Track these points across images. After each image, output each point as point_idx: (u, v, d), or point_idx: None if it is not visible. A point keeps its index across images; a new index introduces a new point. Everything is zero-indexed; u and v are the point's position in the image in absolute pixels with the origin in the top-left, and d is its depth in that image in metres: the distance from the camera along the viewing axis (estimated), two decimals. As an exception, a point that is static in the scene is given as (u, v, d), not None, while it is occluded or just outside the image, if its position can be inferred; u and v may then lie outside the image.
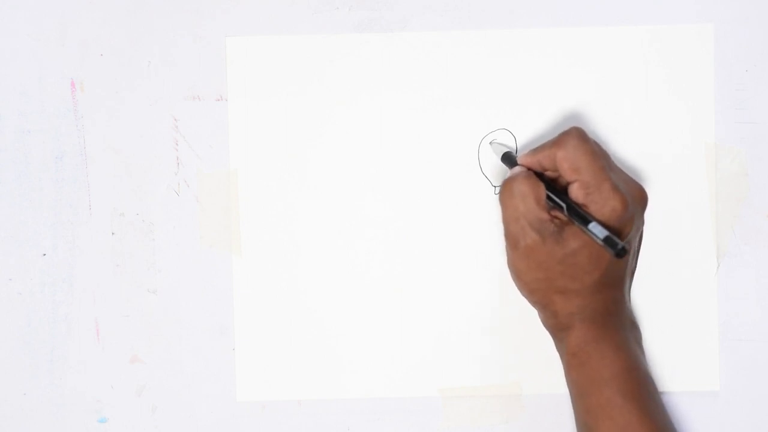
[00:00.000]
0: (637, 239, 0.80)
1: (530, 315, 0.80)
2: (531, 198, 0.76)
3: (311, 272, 0.83)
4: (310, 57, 0.83)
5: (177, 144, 0.83)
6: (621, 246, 0.73)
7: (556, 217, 0.76)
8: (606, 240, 0.73)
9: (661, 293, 0.82)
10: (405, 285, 0.83)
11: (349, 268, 0.83)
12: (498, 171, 0.83)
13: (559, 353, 0.79)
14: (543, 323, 0.79)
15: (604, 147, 0.79)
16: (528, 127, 0.82)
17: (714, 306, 0.82)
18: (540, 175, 0.78)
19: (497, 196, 0.82)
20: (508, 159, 0.80)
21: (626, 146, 0.82)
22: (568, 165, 0.75)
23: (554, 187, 0.77)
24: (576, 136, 0.76)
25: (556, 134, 0.81)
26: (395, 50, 0.83)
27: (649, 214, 0.79)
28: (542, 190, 0.76)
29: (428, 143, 0.83)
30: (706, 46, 0.82)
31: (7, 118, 0.83)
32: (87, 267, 0.83)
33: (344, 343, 0.83)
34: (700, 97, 0.82)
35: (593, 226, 0.74)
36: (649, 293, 0.82)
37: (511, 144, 0.82)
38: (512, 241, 0.77)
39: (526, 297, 0.79)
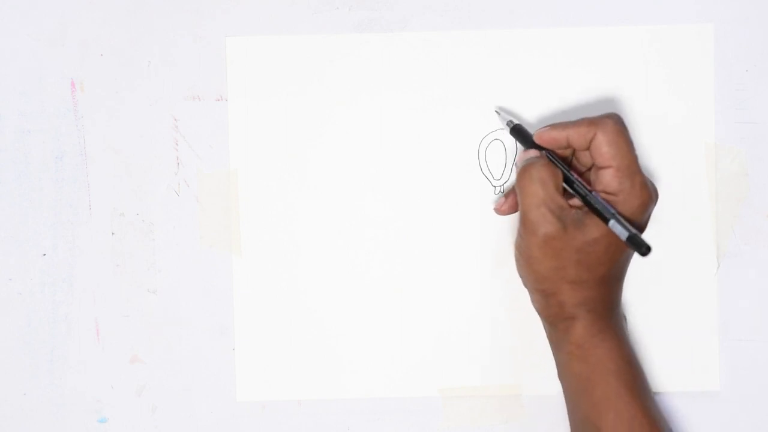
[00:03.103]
0: None
1: (530, 315, 0.80)
2: (551, 184, 0.74)
3: (311, 272, 0.83)
4: (310, 57, 0.83)
5: (177, 144, 0.83)
6: (647, 246, 0.71)
7: (574, 206, 0.76)
8: (630, 239, 0.72)
9: (661, 293, 0.82)
10: (405, 285, 0.83)
11: (349, 268, 0.83)
12: (498, 170, 0.83)
13: (556, 344, 0.77)
14: (540, 311, 0.78)
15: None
16: (528, 127, 0.82)
17: (714, 306, 0.82)
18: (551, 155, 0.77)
19: (500, 192, 0.82)
20: (519, 132, 0.79)
21: (626, 146, 0.82)
22: (608, 148, 0.74)
23: (569, 174, 0.76)
24: (618, 121, 0.75)
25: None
26: (395, 50, 0.83)
27: (649, 214, 0.79)
28: (560, 177, 0.75)
29: (428, 143, 0.83)
30: (706, 46, 0.82)
31: (7, 118, 0.83)
32: (87, 267, 0.83)
33: (344, 343, 0.83)
34: (700, 97, 0.82)
35: (613, 225, 0.73)
36: (649, 293, 0.82)
37: (517, 120, 0.81)
38: (530, 227, 0.75)
39: (531, 283, 0.77)
